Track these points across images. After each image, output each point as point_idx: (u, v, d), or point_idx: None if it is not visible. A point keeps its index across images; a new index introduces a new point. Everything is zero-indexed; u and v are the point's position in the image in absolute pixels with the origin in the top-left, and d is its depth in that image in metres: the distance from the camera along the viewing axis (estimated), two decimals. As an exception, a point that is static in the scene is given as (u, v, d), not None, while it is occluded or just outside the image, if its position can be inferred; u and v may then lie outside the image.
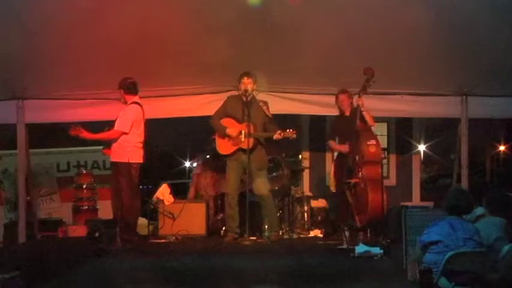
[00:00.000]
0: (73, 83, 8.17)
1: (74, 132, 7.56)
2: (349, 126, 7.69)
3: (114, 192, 7.76)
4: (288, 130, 7.51)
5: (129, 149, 7.57)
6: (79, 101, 8.56)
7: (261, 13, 6.81)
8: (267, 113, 7.63)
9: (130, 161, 7.54)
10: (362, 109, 7.59)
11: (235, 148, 7.66)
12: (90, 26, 6.92)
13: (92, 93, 8.41)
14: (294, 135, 7.56)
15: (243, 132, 7.57)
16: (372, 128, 7.81)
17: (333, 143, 8.40)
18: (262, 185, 7.70)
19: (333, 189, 8.35)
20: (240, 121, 7.64)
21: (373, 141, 7.49)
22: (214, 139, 7.93)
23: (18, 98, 8.41)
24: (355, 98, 7.72)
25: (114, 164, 7.68)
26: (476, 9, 6.70)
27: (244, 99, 7.59)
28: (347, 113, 7.91)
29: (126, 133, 7.54)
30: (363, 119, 7.65)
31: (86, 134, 7.59)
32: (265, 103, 7.73)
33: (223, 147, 7.76)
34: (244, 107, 7.56)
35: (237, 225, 7.71)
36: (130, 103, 7.66)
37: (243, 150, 7.55)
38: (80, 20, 6.85)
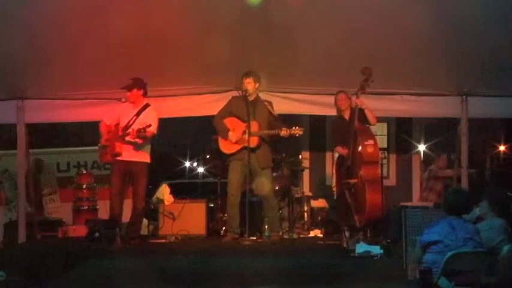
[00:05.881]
0: (73, 83, 8.16)
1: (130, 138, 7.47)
2: (348, 128, 7.67)
3: (116, 192, 7.66)
4: (294, 127, 7.51)
5: (149, 150, 7.66)
6: (79, 101, 8.55)
7: (261, 13, 6.82)
8: (272, 112, 7.63)
9: (149, 162, 7.67)
10: (364, 107, 7.57)
11: (239, 147, 7.60)
12: (90, 25, 6.92)
13: (92, 93, 8.40)
14: (301, 132, 7.57)
15: (246, 131, 7.54)
16: (372, 127, 7.78)
17: (340, 149, 7.92)
18: (265, 185, 7.67)
19: (334, 190, 8.32)
20: (244, 120, 7.57)
21: (371, 141, 7.46)
22: (216, 139, 7.92)
23: (18, 98, 8.40)
24: (353, 98, 7.70)
25: (133, 164, 7.57)
26: (476, 9, 6.71)
27: (247, 98, 7.56)
28: (346, 113, 7.87)
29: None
30: (361, 119, 7.63)
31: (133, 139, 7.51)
32: (270, 103, 7.76)
33: (227, 146, 7.70)
34: (248, 106, 7.53)
35: (237, 225, 7.70)
36: (146, 104, 7.68)
37: (249, 149, 7.49)
38: (80, 20, 6.86)
